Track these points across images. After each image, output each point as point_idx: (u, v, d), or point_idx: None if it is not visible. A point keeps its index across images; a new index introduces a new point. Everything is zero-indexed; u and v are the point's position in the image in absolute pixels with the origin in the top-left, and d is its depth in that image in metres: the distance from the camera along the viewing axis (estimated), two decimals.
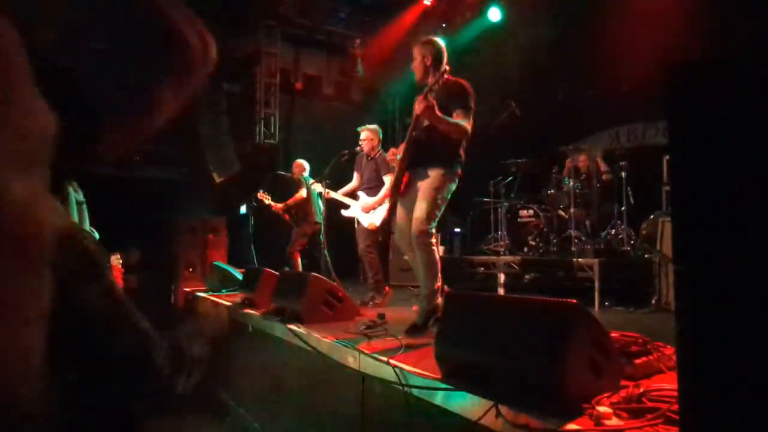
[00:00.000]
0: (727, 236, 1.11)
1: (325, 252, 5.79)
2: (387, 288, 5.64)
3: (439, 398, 2.34)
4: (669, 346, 2.48)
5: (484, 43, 9.21)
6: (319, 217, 6.98)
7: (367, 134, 5.73)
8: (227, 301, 5.58)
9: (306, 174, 7.15)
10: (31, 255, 0.32)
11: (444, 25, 9.97)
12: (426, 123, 3.63)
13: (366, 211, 5.61)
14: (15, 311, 0.30)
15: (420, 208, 3.62)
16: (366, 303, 5.26)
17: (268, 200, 7.13)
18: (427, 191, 3.63)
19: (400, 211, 3.89)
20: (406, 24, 10.39)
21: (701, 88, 1.16)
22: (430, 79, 3.71)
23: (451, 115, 3.57)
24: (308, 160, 7.29)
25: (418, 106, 3.48)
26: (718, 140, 1.13)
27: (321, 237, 6.98)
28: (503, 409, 1.93)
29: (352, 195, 5.83)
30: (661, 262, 5.05)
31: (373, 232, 5.57)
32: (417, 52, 3.86)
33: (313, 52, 10.89)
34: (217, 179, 9.04)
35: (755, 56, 1.08)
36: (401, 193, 3.86)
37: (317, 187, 6.01)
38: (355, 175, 5.92)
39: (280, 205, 7.08)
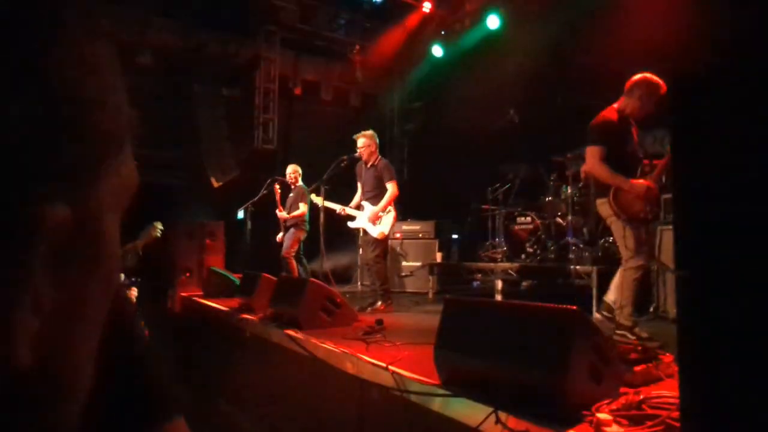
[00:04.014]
0: (729, 243, 1.12)
1: (324, 258, 5.78)
2: (390, 300, 5.60)
3: (437, 404, 2.34)
4: (667, 354, 2.48)
5: (482, 50, 9.25)
6: (308, 225, 6.99)
7: (364, 141, 5.68)
8: (224, 306, 5.57)
9: (301, 180, 7.16)
10: (112, 285, 0.37)
11: (443, 32, 10.02)
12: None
13: (372, 220, 5.54)
14: (94, 334, 0.36)
15: None
16: (364, 309, 5.25)
17: (278, 195, 7.14)
18: None
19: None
20: (406, 31, 10.44)
21: (704, 98, 1.17)
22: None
23: None
24: (307, 166, 7.29)
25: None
26: (721, 148, 1.14)
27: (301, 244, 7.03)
28: (503, 415, 1.92)
29: (359, 206, 5.79)
30: (658, 270, 5.06)
31: (381, 242, 5.52)
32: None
33: (313, 57, 10.92)
34: (215, 184, 9.03)
35: (757, 66, 1.09)
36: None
37: (318, 201, 5.92)
38: (359, 186, 5.88)
39: (284, 213, 7.08)
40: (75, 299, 0.33)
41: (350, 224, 5.78)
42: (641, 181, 3.79)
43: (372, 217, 5.52)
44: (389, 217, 5.52)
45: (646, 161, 3.93)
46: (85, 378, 0.35)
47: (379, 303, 5.41)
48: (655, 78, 3.86)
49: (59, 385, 0.33)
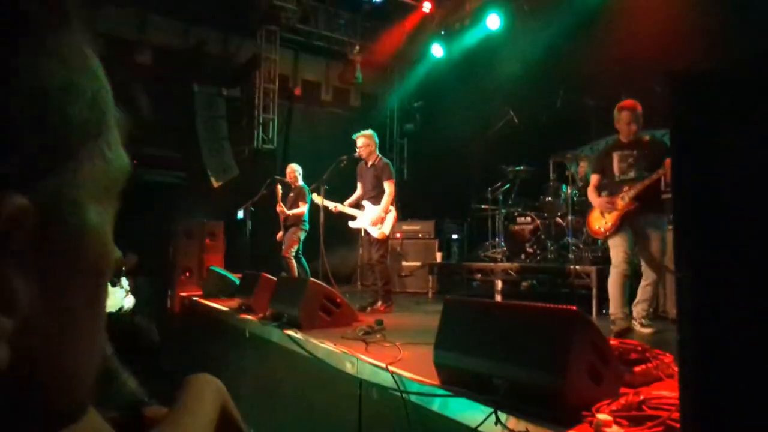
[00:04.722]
0: (729, 243, 1.11)
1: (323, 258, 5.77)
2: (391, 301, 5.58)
3: (437, 405, 2.33)
4: (667, 354, 2.48)
5: (482, 50, 9.25)
6: (307, 225, 6.98)
7: (363, 140, 5.66)
8: (224, 306, 5.56)
9: (301, 180, 7.15)
10: (100, 279, 0.36)
11: (443, 32, 10.02)
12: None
13: (373, 222, 5.53)
14: (88, 330, 0.35)
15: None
16: (364, 309, 5.25)
17: (279, 194, 7.12)
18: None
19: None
20: (405, 31, 10.45)
21: (704, 97, 1.16)
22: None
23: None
24: (306, 166, 7.28)
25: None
26: (721, 147, 1.13)
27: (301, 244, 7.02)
28: (502, 415, 1.92)
29: (358, 205, 5.78)
30: None
31: (384, 242, 5.51)
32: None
33: (313, 57, 10.92)
34: (215, 184, 9.03)
35: (759, 65, 1.09)
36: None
37: (318, 200, 5.90)
38: (359, 185, 5.86)
39: (285, 209, 7.06)
40: (58, 296, 0.32)
41: (351, 224, 5.77)
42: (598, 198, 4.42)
43: (375, 220, 5.50)
44: (390, 218, 5.51)
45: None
46: (82, 374, 0.34)
47: (379, 303, 5.40)
48: (620, 103, 4.38)
49: (48, 382, 0.32)
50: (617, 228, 4.24)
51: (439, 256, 7.84)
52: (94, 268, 0.35)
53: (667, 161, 4.06)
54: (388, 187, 5.52)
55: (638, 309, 4.22)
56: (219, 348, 5.45)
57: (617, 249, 4.26)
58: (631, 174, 4.25)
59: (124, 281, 3.45)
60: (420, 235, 8.07)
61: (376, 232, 5.48)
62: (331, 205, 5.76)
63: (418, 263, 7.86)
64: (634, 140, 4.32)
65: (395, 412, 2.59)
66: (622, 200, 4.21)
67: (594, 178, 4.53)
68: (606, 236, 4.34)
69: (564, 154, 6.86)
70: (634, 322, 4.21)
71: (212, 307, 5.77)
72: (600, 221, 4.37)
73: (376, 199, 5.57)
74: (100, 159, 0.34)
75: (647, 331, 4.09)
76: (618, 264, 4.22)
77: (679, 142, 1.21)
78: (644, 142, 4.32)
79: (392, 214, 5.53)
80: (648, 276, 4.19)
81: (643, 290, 4.21)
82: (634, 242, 4.27)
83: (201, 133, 9.12)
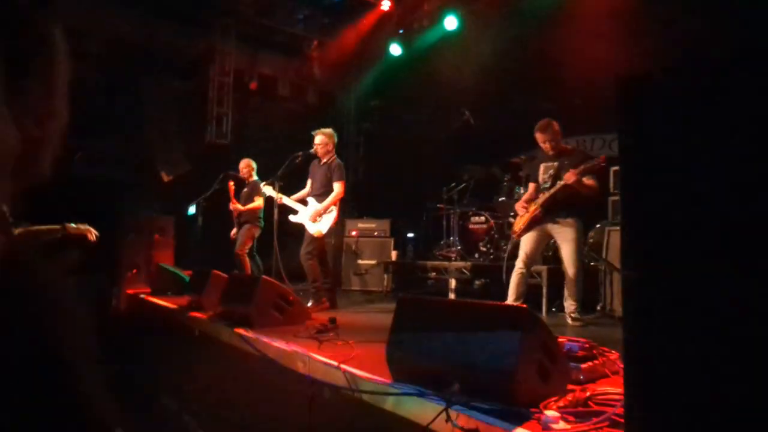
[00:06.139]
0: (673, 243, 1.14)
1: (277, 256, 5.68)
2: (324, 299, 5.48)
3: (389, 403, 2.33)
4: (614, 351, 2.55)
5: (439, 51, 9.32)
6: (262, 222, 6.88)
7: (322, 138, 5.62)
8: (173, 304, 5.41)
9: (255, 175, 7.05)
10: None
11: (401, 31, 10.04)
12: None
13: (312, 219, 5.49)
14: None
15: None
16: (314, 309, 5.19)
17: (231, 190, 6.97)
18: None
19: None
20: (364, 29, 10.41)
21: (649, 100, 1.19)
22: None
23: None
24: (261, 162, 7.16)
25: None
26: (666, 150, 1.16)
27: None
28: (453, 413, 1.93)
29: (303, 201, 5.72)
30: (606, 270, 5.21)
31: (317, 239, 5.47)
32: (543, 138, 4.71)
33: (270, 52, 10.73)
34: (166, 178, 8.77)
35: (700, 70, 1.12)
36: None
37: (268, 191, 5.85)
38: (309, 181, 5.81)
39: (239, 206, 6.92)
40: None
41: (291, 218, 5.71)
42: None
43: (313, 216, 5.47)
44: (330, 217, 5.47)
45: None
46: None
47: (311, 302, 5.34)
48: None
49: None
50: (525, 230, 4.77)
51: (394, 255, 7.86)
52: None
53: (569, 173, 4.48)
54: (338, 187, 5.50)
55: (566, 305, 4.64)
56: (167, 347, 5.30)
57: (522, 250, 4.78)
58: (548, 184, 4.69)
59: None
60: (375, 234, 8.07)
61: (313, 229, 5.45)
62: (276, 196, 5.67)
63: (373, 261, 7.87)
64: (558, 152, 4.74)
65: (348, 411, 2.57)
66: (533, 206, 4.71)
67: (530, 187, 4.97)
68: (518, 236, 4.87)
69: (519, 156, 6.99)
70: (565, 316, 4.63)
71: (160, 305, 5.61)
72: (518, 223, 4.87)
73: (322, 197, 5.53)
74: None
75: (576, 324, 4.47)
76: (518, 263, 4.75)
77: (625, 144, 1.24)
78: (567, 153, 4.75)
79: (333, 214, 5.49)
80: (566, 275, 4.60)
81: (565, 288, 4.65)
82: (551, 246, 4.90)
83: (151, 126, 8.85)
